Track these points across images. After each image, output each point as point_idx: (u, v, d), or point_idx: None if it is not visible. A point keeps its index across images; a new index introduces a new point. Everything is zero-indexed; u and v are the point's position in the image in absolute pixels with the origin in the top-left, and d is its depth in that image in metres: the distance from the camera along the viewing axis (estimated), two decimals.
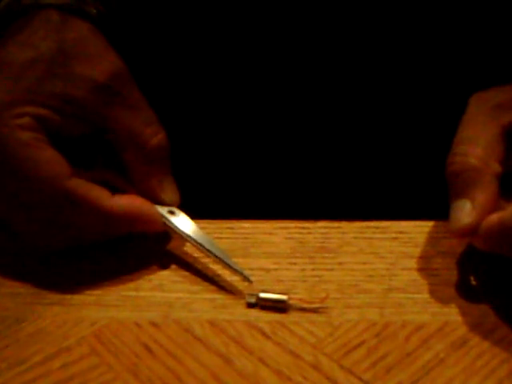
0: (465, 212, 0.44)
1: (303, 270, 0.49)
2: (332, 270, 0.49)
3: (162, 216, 0.50)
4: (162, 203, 0.50)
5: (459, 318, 0.45)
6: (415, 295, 0.47)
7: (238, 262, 0.48)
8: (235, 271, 0.48)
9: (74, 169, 0.48)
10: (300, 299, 0.46)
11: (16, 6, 0.50)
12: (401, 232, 0.52)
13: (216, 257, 0.48)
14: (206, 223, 0.51)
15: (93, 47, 0.49)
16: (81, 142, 0.50)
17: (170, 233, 0.52)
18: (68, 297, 0.48)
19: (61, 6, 0.50)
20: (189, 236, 0.49)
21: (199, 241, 0.49)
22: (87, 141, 0.51)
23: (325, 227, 0.53)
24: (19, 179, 0.47)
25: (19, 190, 0.47)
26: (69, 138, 0.49)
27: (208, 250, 0.48)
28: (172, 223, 0.50)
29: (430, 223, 0.52)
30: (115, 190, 0.50)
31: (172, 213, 0.50)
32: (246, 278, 0.47)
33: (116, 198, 0.48)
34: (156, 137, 0.50)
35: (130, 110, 0.49)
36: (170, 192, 0.51)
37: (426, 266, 0.49)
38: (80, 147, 0.51)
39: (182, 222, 0.50)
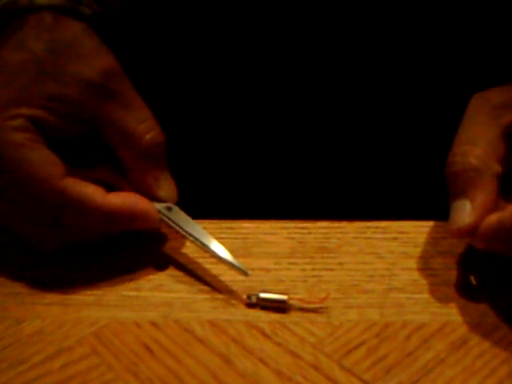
0: (465, 212, 0.44)
1: (303, 269, 0.49)
2: (332, 269, 0.49)
3: (159, 212, 0.50)
4: (159, 200, 0.50)
5: (459, 318, 0.45)
6: (415, 295, 0.47)
7: (239, 262, 0.48)
8: (232, 265, 0.48)
9: (69, 168, 0.48)
10: (300, 299, 0.46)
11: (11, 9, 0.50)
12: (401, 232, 0.52)
13: (213, 251, 0.48)
14: (206, 223, 0.51)
15: (85, 46, 0.49)
16: (76, 141, 0.51)
17: (169, 233, 0.52)
18: (68, 297, 0.48)
19: (54, 6, 0.50)
20: (185, 231, 0.49)
21: (196, 236, 0.49)
22: (83, 140, 0.51)
23: (325, 227, 0.53)
24: (14, 180, 0.47)
25: (14, 191, 0.47)
26: (64, 138, 0.49)
27: (205, 245, 0.48)
28: (169, 219, 0.50)
29: (430, 223, 0.52)
30: (112, 189, 0.50)
31: (169, 209, 0.50)
32: (242, 272, 0.47)
33: (111, 196, 0.48)
34: (150, 133, 0.50)
35: (123, 107, 0.49)
36: (166, 188, 0.51)
37: (425, 266, 0.49)
38: (76, 146, 0.51)
39: (179, 218, 0.50)
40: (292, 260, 0.50)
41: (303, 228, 0.53)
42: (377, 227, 0.52)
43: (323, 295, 0.46)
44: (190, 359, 0.43)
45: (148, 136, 0.50)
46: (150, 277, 0.49)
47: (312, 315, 0.46)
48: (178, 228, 0.49)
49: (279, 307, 0.46)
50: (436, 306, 0.46)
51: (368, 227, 0.52)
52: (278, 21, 0.61)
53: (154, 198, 0.50)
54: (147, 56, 0.63)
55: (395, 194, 0.64)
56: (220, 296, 0.48)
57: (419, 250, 0.50)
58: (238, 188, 0.66)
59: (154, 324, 0.46)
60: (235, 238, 0.52)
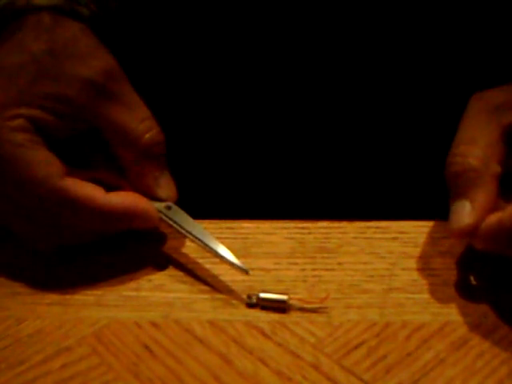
0: (464, 213, 0.44)
1: (303, 269, 0.49)
2: (332, 269, 0.49)
3: (159, 211, 0.50)
4: (159, 199, 0.50)
5: (459, 318, 0.45)
6: (415, 295, 0.47)
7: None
8: (232, 264, 0.48)
9: (69, 168, 0.48)
10: (300, 299, 0.46)
11: (9, 9, 0.50)
12: (401, 232, 0.52)
13: (213, 250, 0.48)
14: (206, 223, 0.51)
15: (84, 46, 0.50)
16: (76, 141, 0.51)
17: (169, 232, 0.52)
18: (68, 297, 0.48)
19: (53, 7, 0.50)
20: (185, 230, 0.49)
21: (196, 234, 0.49)
22: (82, 140, 0.51)
23: (325, 227, 0.53)
24: (13, 181, 0.47)
25: (14, 191, 0.47)
26: (63, 138, 0.49)
27: (205, 244, 0.48)
28: (169, 218, 0.50)
29: (430, 223, 0.52)
30: (112, 189, 0.50)
31: (169, 208, 0.50)
32: (243, 270, 0.47)
33: (111, 195, 0.48)
34: (149, 133, 0.50)
35: (122, 107, 0.49)
36: (166, 187, 0.51)
37: (425, 266, 0.49)
38: (75, 146, 0.51)
39: (179, 217, 0.50)
40: (292, 260, 0.50)
41: (303, 228, 0.53)
42: (377, 227, 0.52)
43: (323, 295, 0.47)
44: (190, 359, 0.43)
45: (147, 135, 0.50)
46: (150, 277, 0.50)
47: (312, 315, 0.46)
48: (177, 227, 0.49)
49: (279, 307, 0.46)
50: (436, 306, 0.46)
51: (368, 227, 0.52)
52: (277, 21, 0.61)
53: (154, 198, 0.50)
54: (146, 55, 0.63)
55: (395, 193, 0.64)
56: (220, 296, 0.48)
57: (419, 250, 0.50)
58: (238, 188, 0.66)
59: (153, 324, 0.46)
60: (235, 238, 0.52)
